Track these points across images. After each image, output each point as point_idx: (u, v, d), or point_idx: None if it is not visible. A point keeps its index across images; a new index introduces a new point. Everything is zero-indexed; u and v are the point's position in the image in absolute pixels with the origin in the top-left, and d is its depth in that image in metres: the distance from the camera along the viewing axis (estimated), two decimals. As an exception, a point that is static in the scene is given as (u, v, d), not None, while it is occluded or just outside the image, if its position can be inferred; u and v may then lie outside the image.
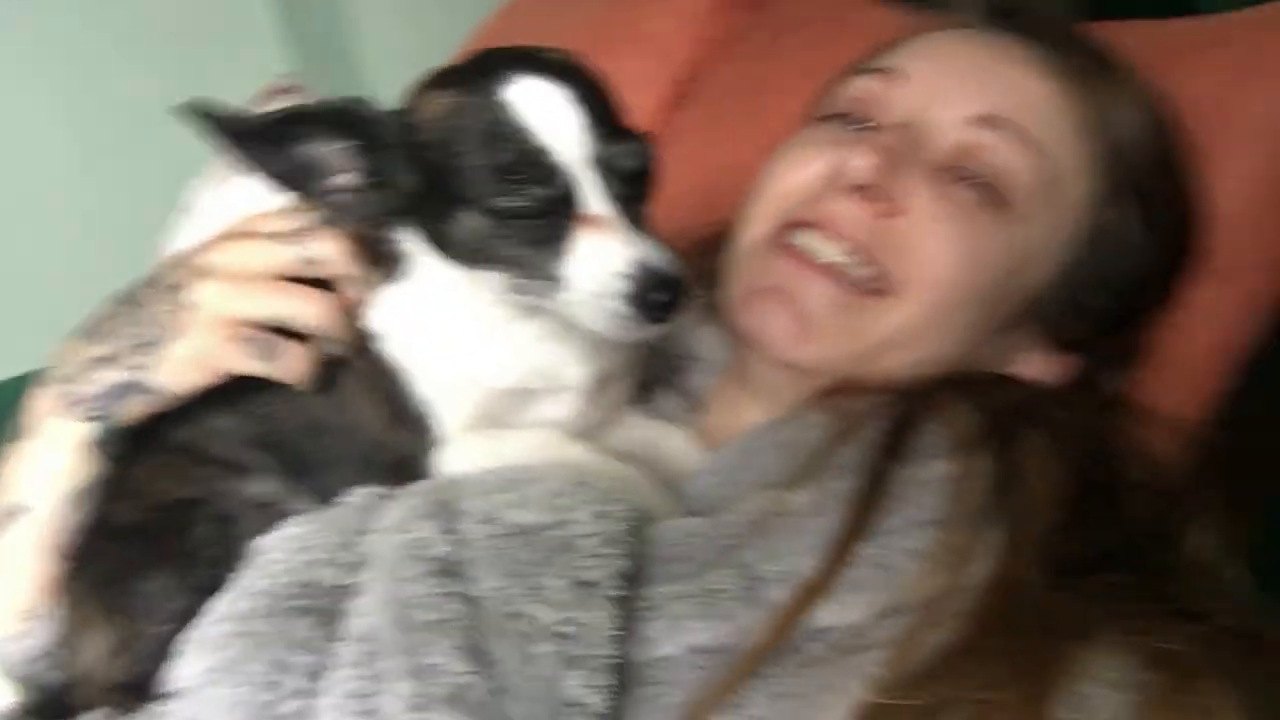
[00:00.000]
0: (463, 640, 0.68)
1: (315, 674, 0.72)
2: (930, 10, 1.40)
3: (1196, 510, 0.85)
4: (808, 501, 0.81)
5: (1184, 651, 0.69)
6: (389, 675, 0.68)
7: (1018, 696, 0.67)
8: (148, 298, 0.88)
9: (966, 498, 0.80)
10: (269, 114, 0.80)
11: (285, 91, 1.73)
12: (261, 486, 0.90)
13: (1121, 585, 0.76)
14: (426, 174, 0.79)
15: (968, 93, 0.99)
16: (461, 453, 0.87)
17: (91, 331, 0.89)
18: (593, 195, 0.75)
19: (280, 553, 0.80)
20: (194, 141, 0.81)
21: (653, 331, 0.77)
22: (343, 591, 0.77)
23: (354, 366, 0.88)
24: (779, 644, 0.72)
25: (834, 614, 0.74)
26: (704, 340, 1.08)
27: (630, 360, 0.95)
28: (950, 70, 1.02)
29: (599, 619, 0.70)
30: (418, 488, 0.80)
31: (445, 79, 0.81)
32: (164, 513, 0.87)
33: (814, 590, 0.74)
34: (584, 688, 0.68)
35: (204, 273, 0.86)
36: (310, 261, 0.86)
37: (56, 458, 0.88)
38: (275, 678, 0.72)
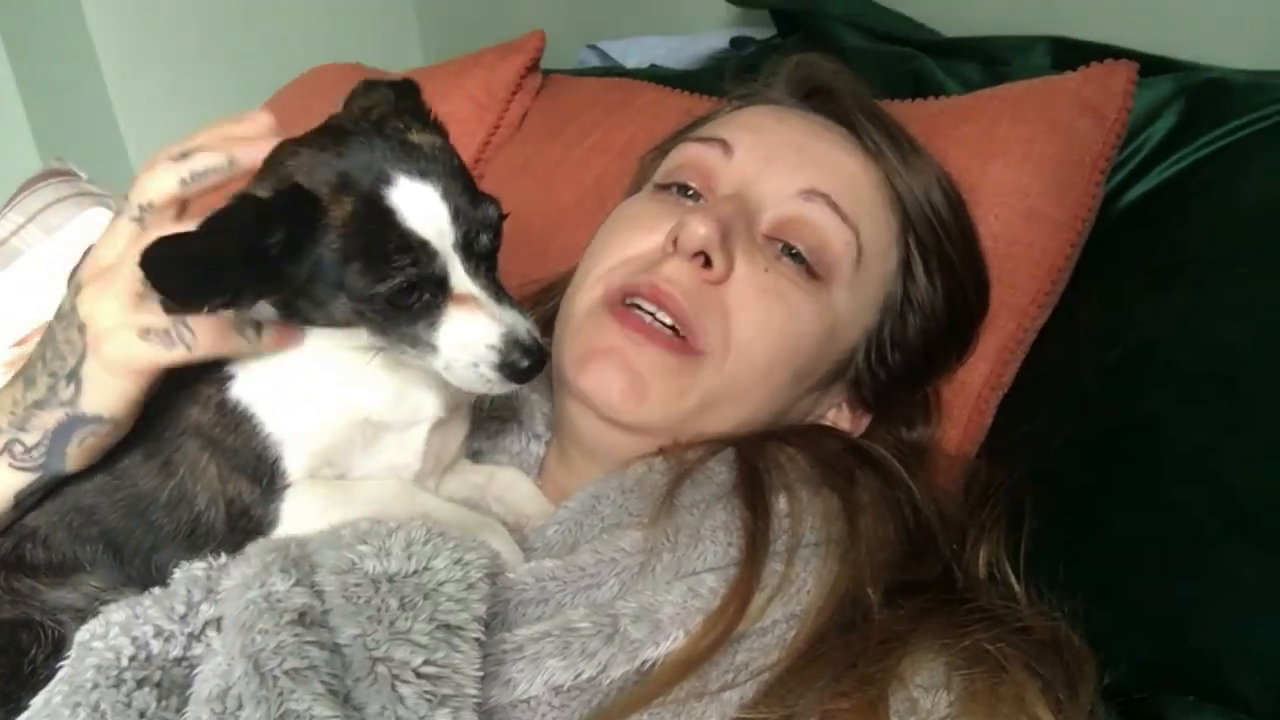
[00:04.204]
0: (327, 686, 0.68)
1: None
2: (712, 94, 1.52)
3: (978, 534, 0.95)
4: (656, 539, 0.86)
5: (992, 649, 0.79)
6: None
7: (859, 703, 0.74)
8: (57, 329, 0.85)
9: (798, 531, 0.87)
10: (228, 224, 0.76)
11: (59, 174, 1.67)
12: (87, 590, 0.88)
13: (936, 602, 0.85)
14: (316, 269, 0.79)
15: (790, 168, 1.07)
16: (307, 501, 0.87)
17: (25, 377, 0.86)
18: (460, 275, 0.82)
19: (104, 637, 0.76)
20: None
21: (513, 389, 0.86)
22: (184, 664, 0.75)
23: (189, 417, 0.87)
24: (693, 671, 0.77)
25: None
26: (524, 405, 1.12)
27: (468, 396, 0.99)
28: (772, 145, 1.10)
29: (464, 659, 0.72)
30: (263, 545, 0.79)
31: (342, 172, 0.80)
32: None
33: (721, 624, 0.80)
34: None
35: (81, 285, 0.83)
36: None
37: None
38: None
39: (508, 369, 0.83)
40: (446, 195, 0.80)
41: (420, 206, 0.79)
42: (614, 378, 0.99)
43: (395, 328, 0.82)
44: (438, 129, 0.88)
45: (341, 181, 0.79)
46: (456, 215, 0.80)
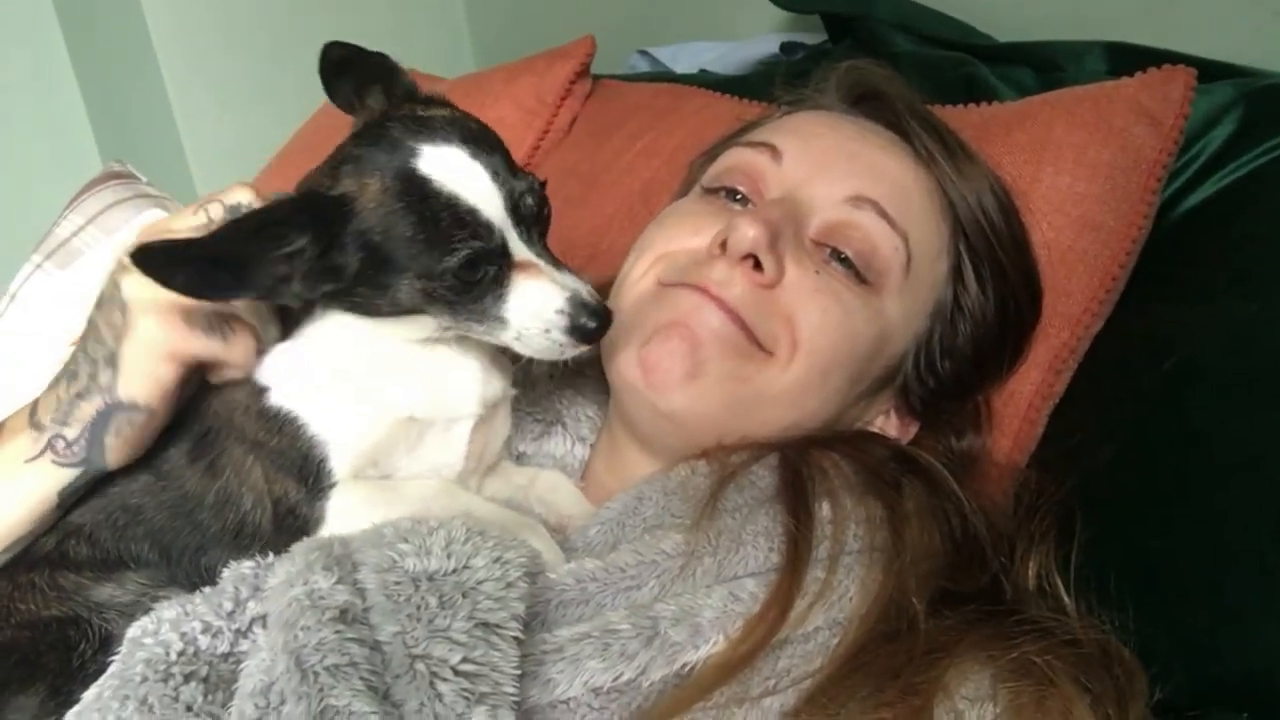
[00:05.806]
0: (366, 683, 0.68)
1: None
2: (760, 100, 1.51)
3: (1027, 545, 0.94)
4: (697, 542, 0.86)
5: (1039, 662, 0.77)
6: None
7: (902, 713, 0.74)
8: (98, 316, 0.86)
9: (841, 537, 0.86)
10: (234, 230, 0.78)
11: (119, 176, 1.70)
12: (133, 587, 0.89)
13: (983, 613, 0.84)
14: (368, 254, 0.81)
15: (838, 174, 1.06)
16: (353, 500, 0.87)
17: (69, 372, 0.87)
18: (517, 242, 0.83)
19: (154, 633, 0.78)
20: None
21: (584, 351, 0.88)
22: (231, 659, 0.76)
23: (232, 423, 0.88)
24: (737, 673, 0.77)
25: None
26: (566, 406, 1.12)
27: (510, 391, 1.00)
28: (821, 151, 1.09)
29: (502, 658, 0.72)
30: (308, 544, 0.79)
31: (358, 157, 0.82)
32: (35, 631, 0.85)
33: (763, 625, 0.80)
34: None
35: (126, 268, 0.84)
36: None
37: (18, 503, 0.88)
38: None
39: (578, 332, 0.85)
40: (478, 156, 0.81)
41: (456, 171, 0.80)
42: (676, 348, 0.98)
43: (464, 305, 0.84)
44: (446, 105, 0.88)
45: (361, 166, 0.80)
46: (496, 176, 0.81)
